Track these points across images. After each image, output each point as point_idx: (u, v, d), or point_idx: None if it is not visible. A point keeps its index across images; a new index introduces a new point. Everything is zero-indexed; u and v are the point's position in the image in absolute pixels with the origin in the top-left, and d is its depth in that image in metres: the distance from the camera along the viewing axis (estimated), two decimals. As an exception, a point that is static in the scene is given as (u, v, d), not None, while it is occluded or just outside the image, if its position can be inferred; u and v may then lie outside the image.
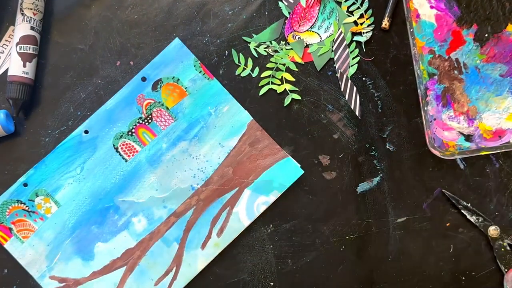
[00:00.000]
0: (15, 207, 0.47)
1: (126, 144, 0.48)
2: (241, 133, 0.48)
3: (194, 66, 0.48)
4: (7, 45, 0.50)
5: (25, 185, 0.47)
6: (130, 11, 0.50)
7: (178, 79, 0.48)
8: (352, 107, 0.49)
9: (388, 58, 0.49)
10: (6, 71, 0.49)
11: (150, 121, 0.48)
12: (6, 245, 0.47)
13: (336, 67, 0.49)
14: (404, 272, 0.48)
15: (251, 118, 0.48)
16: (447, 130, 0.47)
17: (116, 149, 0.48)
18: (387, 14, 0.49)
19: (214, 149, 0.48)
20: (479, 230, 0.48)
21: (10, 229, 0.47)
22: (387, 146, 0.49)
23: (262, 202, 0.48)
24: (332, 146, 0.49)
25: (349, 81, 0.49)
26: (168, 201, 0.48)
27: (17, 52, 0.48)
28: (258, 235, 0.48)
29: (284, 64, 0.49)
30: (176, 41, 0.48)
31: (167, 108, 0.48)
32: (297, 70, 0.49)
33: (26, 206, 0.47)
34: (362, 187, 0.48)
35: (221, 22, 0.50)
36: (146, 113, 0.48)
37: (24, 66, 0.48)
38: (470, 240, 0.48)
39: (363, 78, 0.49)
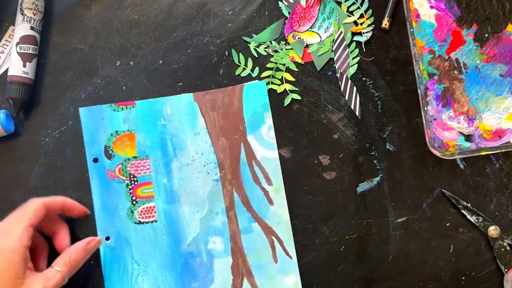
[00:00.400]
0: None
1: (142, 211, 0.48)
2: (198, 110, 0.49)
3: (114, 110, 0.48)
4: (7, 45, 0.50)
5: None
6: (130, 11, 0.50)
7: (116, 131, 0.48)
8: (352, 107, 0.49)
9: (388, 58, 0.49)
10: (6, 71, 0.49)
11: (135, 178, 0.48)
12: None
13: (336, 67, 0.49)
14: (404, 272, 0.48)
15: (191, 93, 0.49)
16: (447, 130, 0.47)
17: (140, 222, 0.48)
18: (387, 14, 0.49)
19: (196, 141, 0.48)
20: (479, 230, 0.48)
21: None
22: (387, 146, 0.49)
23: (267, 130, 0.48)
24: (332, 146, 0.49)
25: (349, 81, 0.49)
26: (213, 207, 0.48)
27: (17, 52, 0.48)
28: (258, 235, 0.48)
29: (284, 64, 0.49)
30: (82, 111, 0.48)
31: (134, 157, 0.48)
32: (297, 70, 0.49)
33: None
34: (362, 187, 0.48)
35: (221, 22, 0.50)
36: (127, 178, 0.48)
37: (24, 66, 0.48)
38: (470, 240, 0.48)
39: (363, 78, 0.49)
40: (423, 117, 0.46)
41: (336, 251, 0.48)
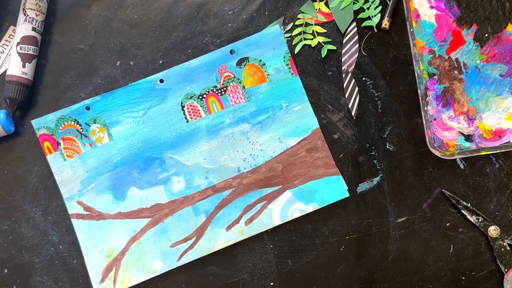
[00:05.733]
0: (70, 125, 0.48)
1: (193, 106, 0.48)
2: (303, 136, 0.48)
3: (284, 57, 0.49)
4: (7, 45, 0.50)
5: (87, 108, 0.48)
6: (130, 11, 0.50)
7: (264, 64, 0.49)
8: (350, 106, 0.49)
9: (388, 58, 0.49)
10: (6, 71, 0.49)
11: (223, 93, 0.49)
12: (49, 157, 0.48)
13: (343, 61, 0.49)
14: (404, 272, 0.48)
15: (318, 125, 0.48)
16: (447, 130, 0.47)
17: (183, 107, 0.48)
18: (387, 14, 0.49)
19: (272, 142, 0.48)
20: (479, 230, 0.48)
21: (58, 143, 0.48)
22: (387, 146, 0.49)
23: (299, 209, 0.48)
24: (332, 146, 0.49)
25: (353, 80, 0.49)
26: (212, 173, 0.48)
27: (17, 52, 0.48)
28: (258, 235, 0.48)
29: (312, 18, 0.50)
30: (276, 27, 0.49)
31: (243, 87, 0.49)
32: (324, 31, 0.49)
33: (81, 128, 0.48)
34: (362, 187, 0.48)
35: (221, 22, 0.50)
36: (222, 85, 0.49)
37: (24, 66, 0.48)
38: (470, 240, 0.48)
39: (363, 78, 0.49)
40: (423, 117, 0.46)
41: (336, 251, 0.48)
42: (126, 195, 0.48)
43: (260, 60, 0.49)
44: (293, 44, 0.49)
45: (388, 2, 0.49)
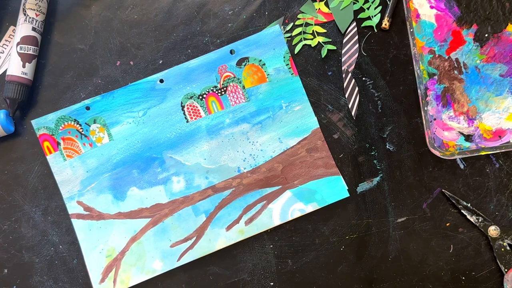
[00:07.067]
0: (70, 125, 0.48)
1: (193, 106, 0.48)
2: (303, 136, 0.48)
3: (284, 57, 0.49)
4: (7, 45, 0.50)
5: (87, 108, 0.48)
6: (130, 11, 0.50)
7: (264, 64, 0.49)
8: (350, 106, 0.49)
9: (388, 58, 0.49)
10: (6, 71, 0.49)
11: (223, 93, 0.49)
12: (49, 157, 0.48)
13: (342, 61, 0.49)
14: (404, 272, 0.48)
15: (318, 125, 0.48)
16: (447, 130, 0.47)
17: (183, 107, 0.49)
18: (387, 14, 0.49)
19: (272, 142, 0.48)
20: (479, 230, 0.48)
21: (58, 143, 0.48)
22: (387, 146, 0.49)
23: (299, 209, 0.48)
24: (332, 146, 0.49)
25: (353, 80, 0.49)
26: (212, 173, 0.48)
27: (17, 52, 0.48)
28: (258, 235, 0.48)
29: (312, 18, 0.50)
30: (276, 27, 0.49)
31: (243, 87, 0.49)
32: (324, 31, 0.49)
33: (81, 128, 0.48)
34: (362, 187, 0.48)
35: (221, 22, 0.50)
36: (222, 85, 0.49)
37: (24, 66, 0.48)
38: (470, 240, 0.48)
39: (363, 78, 0.49)
40: (423, 117, 0.46)
41: (336, 251, 0.48)
42: (126, 195, 0.48)
43: (260, 60, 0.49)
44: (293, 44, 0.49)
45: (388, 2, 0.49)
